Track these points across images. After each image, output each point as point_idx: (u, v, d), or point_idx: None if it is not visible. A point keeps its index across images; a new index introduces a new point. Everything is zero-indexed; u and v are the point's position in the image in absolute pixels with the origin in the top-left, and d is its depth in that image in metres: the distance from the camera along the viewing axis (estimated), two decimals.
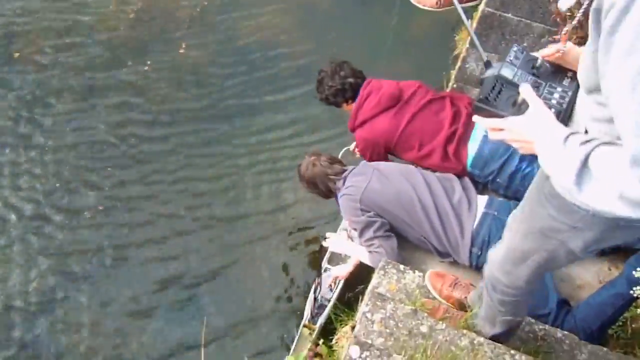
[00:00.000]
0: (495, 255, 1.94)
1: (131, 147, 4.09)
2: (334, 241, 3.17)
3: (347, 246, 3.13)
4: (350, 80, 3.19)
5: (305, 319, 3.13)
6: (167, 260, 3.64)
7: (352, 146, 3.44)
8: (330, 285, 3.23)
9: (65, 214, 3.77)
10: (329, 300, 3.18)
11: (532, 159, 2.83)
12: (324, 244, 3.23)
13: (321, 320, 3.10)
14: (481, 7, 3.29)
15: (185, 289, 3.54)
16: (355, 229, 2.96)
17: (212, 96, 4.36)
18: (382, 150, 3.15)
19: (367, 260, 2.96)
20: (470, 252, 2.74)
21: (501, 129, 1.43)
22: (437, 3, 3.65)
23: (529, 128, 1.36)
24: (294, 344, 3.04)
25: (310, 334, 2.90)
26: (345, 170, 3.07)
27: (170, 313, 3.45)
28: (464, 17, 2.59)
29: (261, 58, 4.52)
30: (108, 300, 3.49)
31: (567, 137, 1.25)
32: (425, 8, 3.75)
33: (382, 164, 3.04)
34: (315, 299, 3.22)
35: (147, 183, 3.96)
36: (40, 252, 3.62)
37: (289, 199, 3.90)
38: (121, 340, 3.36)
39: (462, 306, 2.53)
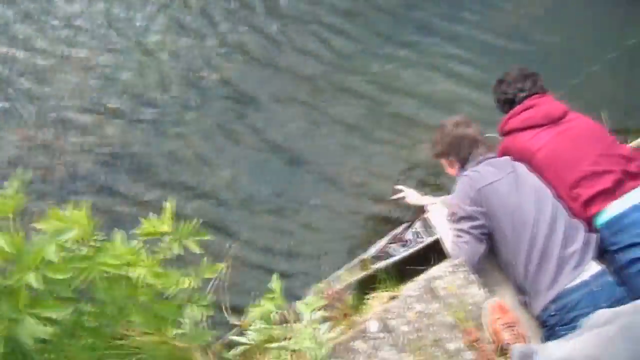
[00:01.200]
0: (552, 355, 1.88)
1: None
2: (436, 208, 3.09)
3: (440, 220, 3.00)
4: (525, 95, 2.99)
5: (367, 255, 3.16)
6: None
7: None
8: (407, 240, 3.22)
9: None
10: (406, 248, 3.19)
11: None
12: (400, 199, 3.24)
13: (381, 264, 3.09)
14: None
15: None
16: (455, 213, 2.81)
17: None
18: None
19: (446, 246, 2.84)
20: (547, 307, 2.53)
21: None
22: None
23: None
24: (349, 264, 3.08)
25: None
26: (489, 153, 2.87)
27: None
28: None
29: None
30: None
31: None
32: None
33: (524, 170, 2.80)
34: (389, 242, 3.23)
35: None
36: None
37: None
38: None
39: (502, 349, 2.40)
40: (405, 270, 2.82)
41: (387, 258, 3.16)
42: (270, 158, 3.77)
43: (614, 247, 2.64)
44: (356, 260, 3.22)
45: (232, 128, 3.87)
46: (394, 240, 3.29)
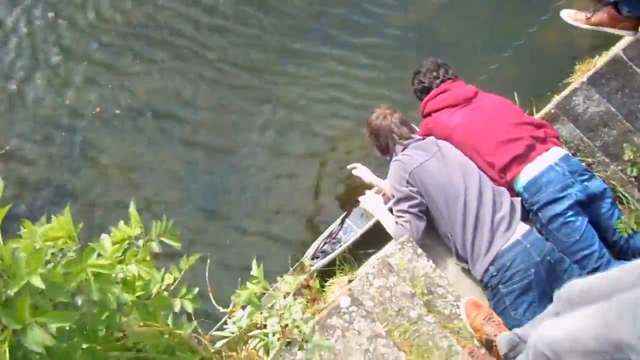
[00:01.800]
0: (552, 335, 1.90)
1: None
2: (368, 197, 3.22)
3: (377, 207, 3.17)
4: (439, 81, 3.23)
5: (306, 257, 3.24)
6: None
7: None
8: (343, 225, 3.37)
9: None
10: (340, 244, 3.28)
11: (580, 211, 2.83)
12: (354, 172, 3.39)
13: (318, 264, 3.20)
14: (616, 49, 3.13)
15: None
16: (393, 196, 2.98)
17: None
18: None
19: (390, 229, 3.00)
20: (487, 269, 2.74)
21: None
22: (586, 19, 3.48)
23: None
24: (291, 269, 3.15)
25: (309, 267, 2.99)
26: (411, 138, 3.06)
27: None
28: None
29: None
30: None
31: None
32: (574, 23, 3.59)
33: (448, 148, 3.00)
34: (325, 242, 3.32)
35: None
36: None
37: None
38: None
39: (488, 342, 2.54)
40: (357, 256, 2.94)
41: (327, 253, 3.28)
42: (200, 161, 3.80)
43: (536, 207, 2.90)
44: (296, 264, 3.29)
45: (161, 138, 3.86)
46: (328, 239, 3.40)
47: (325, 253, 3.29)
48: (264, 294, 1.57)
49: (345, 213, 3.49)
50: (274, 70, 4.20)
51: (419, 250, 2.72)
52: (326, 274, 2.90)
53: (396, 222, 2.95)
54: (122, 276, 1.33)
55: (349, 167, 3.48)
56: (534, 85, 3.93)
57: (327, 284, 2.70)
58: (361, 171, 3.40)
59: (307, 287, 2.28)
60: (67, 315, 1.18)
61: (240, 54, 4.25)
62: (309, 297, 2.28)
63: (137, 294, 1.34)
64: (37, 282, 1.13)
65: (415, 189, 2.88)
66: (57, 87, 4.03)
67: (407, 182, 2.89)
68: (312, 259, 3.26)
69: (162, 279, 1.48)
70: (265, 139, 3.92)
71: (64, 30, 4.25)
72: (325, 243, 3.34)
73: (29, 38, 4.19)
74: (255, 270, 1.53)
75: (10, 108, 3.94)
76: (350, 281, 2.53)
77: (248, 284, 1.50)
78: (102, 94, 4.01)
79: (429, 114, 3.22)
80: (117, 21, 4.31)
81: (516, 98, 3.54)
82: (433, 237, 2.97)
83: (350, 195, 3.61)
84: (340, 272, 2.75)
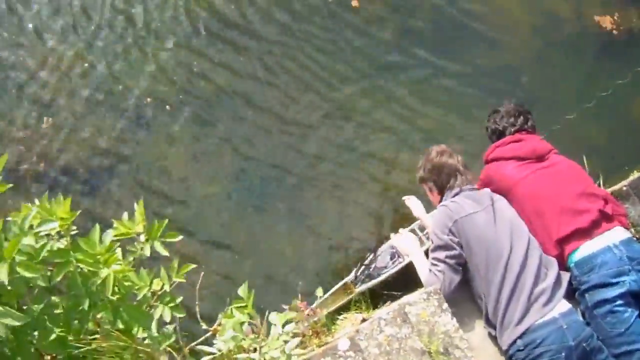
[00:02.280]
0: None
1: None
2: (404, 236, 3.11)
3: (413, 247, 3.04)
4: (515, 129, 3.08)
5: (349, 279, 3.17)
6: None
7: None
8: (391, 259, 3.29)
9: None
10: (379, 274, 3.19)
11: (632, 302, 2.60)
12: (406, 202, 3.36)
13: (364, 287, 3.13)
14: None
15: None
16: (432, 242, 2.83)
17: None
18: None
19: (422, 274, 2.87)
20: (515, 341, 2.55)
21: None
22: None
23: None
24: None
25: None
26: (468, 185, 2.91)
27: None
28: None
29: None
30: None
31: None
32: None
33: (502, 204, 2.83)
34: (364, 265, 3.23)
35: None
36: None
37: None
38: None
39: None
40: (381, 295, 2.83)
41: (369, 280, 3.19)
42: (247, 170, 3.80)
43: (584, 287, 2.68)
44: (340, 284, 3.23)
45: (206, 140, 3.90)
46: (365, 267, 3.33)
47: (370, 276, 3.21)
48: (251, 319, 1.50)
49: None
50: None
51: (445, 305, 2.56)
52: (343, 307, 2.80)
53: (429, 270, 2.80)
54: (106, 274, 1.31)
55: (404, 198, 3.39)
56: (609, 154, 3.68)
57: (341, 317, 2.60)
58: (413, 202, 3.32)
59: (313, 318, 2.20)
60: (17, 315, 1.16)
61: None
62: (311, 330, 2.19)
63: (115, 296, 1.31)
64: (2, 275, 1.11)
65: (456, 239, 2.72)
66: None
67: (450, 230, 2.73)
68: (356, 280, 3.21)
69: (151, 284, 1.45)
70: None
71: None
72: (369, 265, 3.27)
73: None
74: (241, 291, 1.47)
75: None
76: (364, 320, 2.42)
77: (234, 311, 1.44)
78: None
79: (493, 160, 3.05)
80: None
81: (585, 161, 3.32)
82: (465, 294, 2.80)
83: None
84: (356, 310, 2.64)
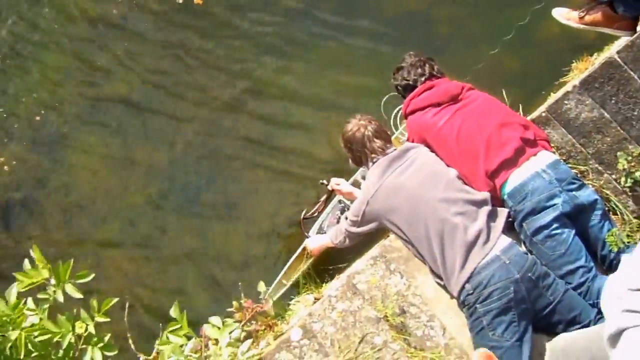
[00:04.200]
0: None
1: None
2: (313, 240, 3.29)
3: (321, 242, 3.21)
4: (425, 79, 3.06)
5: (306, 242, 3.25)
6: None
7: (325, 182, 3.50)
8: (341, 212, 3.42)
9: None
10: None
11: (567, 222, 2.66)
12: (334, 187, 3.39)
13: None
14: (611, 52, 2.90)
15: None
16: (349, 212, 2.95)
17: None
18: (429, 146, 2.96)
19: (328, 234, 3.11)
20: (463, 287, 2.57)
21: None
22: (580, 18, 3.26)
23: None
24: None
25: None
26: (387, 149, 2.91)
27: None
28: None
29: None
30: None
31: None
32: (566, 23, 3.36)
33: (421, 156, 2.85)
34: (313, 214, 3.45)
35: None
36: None
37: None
38: None
39: None
40: (328, 270, 2.82)
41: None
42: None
43: (520, 216, 2.72)
44: (299, 250, 3.26)
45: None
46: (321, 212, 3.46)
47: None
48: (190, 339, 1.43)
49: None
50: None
51: (393, 266, 2.58)
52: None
53: (338, 229, 2.99)
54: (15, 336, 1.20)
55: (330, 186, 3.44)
56: (526, 82, 3.75)
57: (292, 302, 2.57)
58: (338, 184, 3.37)
59: (261, 314, 2.16)
60: None
61: None
62: (263, 325, 2.15)
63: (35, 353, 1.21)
64: None
65: (369, 226, 2.84)
66: None
67: (365, 213, 2.80)
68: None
69: (73, 328, 1.36)
70: None
71: None
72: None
73: None
74: (174, 312, 1.40)
75: None
76: (315, 300, 2.40)
77: (170, 335, 1.36)
78: None
79: (412, 113, 3.04)
80: None
81: (504, 95, 3.35)
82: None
83: None
84: (306, 291, 2.62)
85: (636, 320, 1.14)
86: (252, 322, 2.13)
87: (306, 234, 3.34)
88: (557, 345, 1.90)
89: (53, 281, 1.32)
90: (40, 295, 1.31)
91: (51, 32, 4.15)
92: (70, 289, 1.33)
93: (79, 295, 1.34)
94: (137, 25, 4.22)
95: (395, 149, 2.91)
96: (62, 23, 4.18)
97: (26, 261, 1.32)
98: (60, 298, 1.32)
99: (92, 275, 1.37)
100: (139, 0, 4.29)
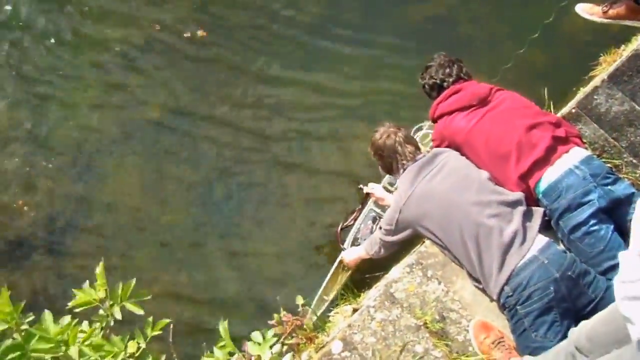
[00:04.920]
0: None
1: None
2: (349, 252, 3.28)
3: (358, 254, 3.21)
4: (453, 80, 3.07)
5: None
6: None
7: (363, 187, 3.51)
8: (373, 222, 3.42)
9: None
10: (365, 239, 3.29)
11: (604, 218, 2.61)
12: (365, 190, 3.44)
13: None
14: (638, 44, 2.87)
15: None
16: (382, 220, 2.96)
17: None
18: (459, 150, 2.96)
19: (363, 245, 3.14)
20: (502, 289, 2.56)
21: None
22: (603, 13, 3.22)
23: None
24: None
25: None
26: (415, 157, 2.92)
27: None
28: None
29: None
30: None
31: None
32: (590, 18, 3.34)
33: (446, 159, 2.85)
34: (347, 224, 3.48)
35: None
36: None
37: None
38: None
39: None
40: (365, 279, 2.83)
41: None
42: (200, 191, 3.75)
43: (556, 215, 2.69)
44: (335, 263, 3.27)
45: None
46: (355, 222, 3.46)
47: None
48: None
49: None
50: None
51: (430, 272, 2.58)
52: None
53: (373, 239, 3.01)
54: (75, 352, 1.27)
55: (365, 190, 3.47)
56: (555, 79, 3.71)
57: (332, 313, 2.59)
58: (372, 189, 3.39)
59: (301, 327, 2.19)
60: None
61: None
62: (302, 338, 2.17)
63: None
64: None
65: (403, 234, 2.84)
66: None
67: (398, 221, 2.80)
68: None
69: (125, 347, 1.41)
70: None
71: None
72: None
73: None
74: (221, 328, 1.44)
75: None
76: (354, 310, 2.41)
77: (215, 350, 1.41)
78: None
79: (440, 117, 3.05)
80: None
81: (542, 92, 3.34)
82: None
83: None
84: (344, 302, 2.64)
85: None
86: (293, 335, 2.16)
87: (341, 246, 3.35)
88: (581, 335, 1.88)
89: (107, 304, 1.38)
90: (93, 318, 1.37)
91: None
92: (130, 306, 1.38)
93: (140, 312, 1.39)
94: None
95: (424, 155, 2.91)
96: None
97: (86, 283, 1.38)
98: (118, 315, 1.37)
99: (149, 296, 1.43)
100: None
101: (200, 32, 4.24)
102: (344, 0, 4.43)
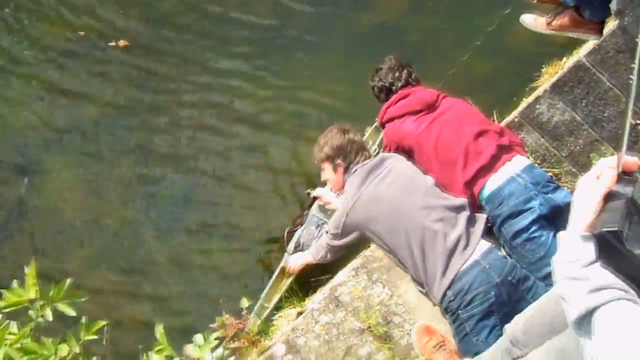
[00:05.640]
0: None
1: None
2: (293, 258, 3.21)
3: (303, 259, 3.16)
4: (401, 84, 3.09)
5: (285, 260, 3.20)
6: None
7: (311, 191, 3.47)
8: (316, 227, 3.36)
9: None
10: (309, 245, 3.25)
11: (546, 225, 2.66)
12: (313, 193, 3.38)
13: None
14: (579, 55, 2.98)
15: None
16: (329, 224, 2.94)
17: None
18: (407, 154, 2.99)
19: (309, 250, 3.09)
20: (445, 294, 2.59)
21: None
22: (547, 24, 3.32)
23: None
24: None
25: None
26: (366, 159, 2.94)
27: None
28: None
29: None
30: None
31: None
32: (535, 29, 3.42)
33: (393, 164, 2.86)
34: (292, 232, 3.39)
35: None
36: None
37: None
38: None
39: None
40: (310, 283, 2.81)
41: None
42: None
43: (498, 221, 2.74)
44: (277, 269, 3.20)
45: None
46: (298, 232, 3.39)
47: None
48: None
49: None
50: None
51: (375, 276, 2.59)
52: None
53: (320, 244, 2.97)
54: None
55: (312, 194, 3.41)
56: (498, 87, 3.80)
57: (275, 317, 2.56)
58: (319, 192, 3.31)
59: (243, 331, 2.15)
60: None
61: None
62: (245, 342, 2.14)
63: None
64: None
65: (348, 230, 2.81)
66: None
67: (344, 225, 2.79)
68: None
69: (56, 351, 1.34)
70: None
71: None
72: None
73: None
74: (157, 334, 1.39)
75: None
76: (299, 314, 2.39)
77: (152, 355, 1.35)
78: None
79: (389, 121, 3.07)
80: None
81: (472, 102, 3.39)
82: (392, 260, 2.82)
83: None
84: (288, 305, 2.61)
85: (606, 296, 1.10)
86: (235, 339, 2.12)
87: (286, 251, 3.31)
88: (517, 329, 1.93)
89: (38, 304, 1.31)
90: (24, 319, 1.29)
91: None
92: (63, 307, 1.31)
93: (72, 313, 1.32)
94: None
95: (372, 160, 2.93)
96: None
97: (14, 283, 1.30)
98: (50, 317, 1.30)
99: (85, 298, 1.36)
100: None
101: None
102: (294, 4, 4.41)
